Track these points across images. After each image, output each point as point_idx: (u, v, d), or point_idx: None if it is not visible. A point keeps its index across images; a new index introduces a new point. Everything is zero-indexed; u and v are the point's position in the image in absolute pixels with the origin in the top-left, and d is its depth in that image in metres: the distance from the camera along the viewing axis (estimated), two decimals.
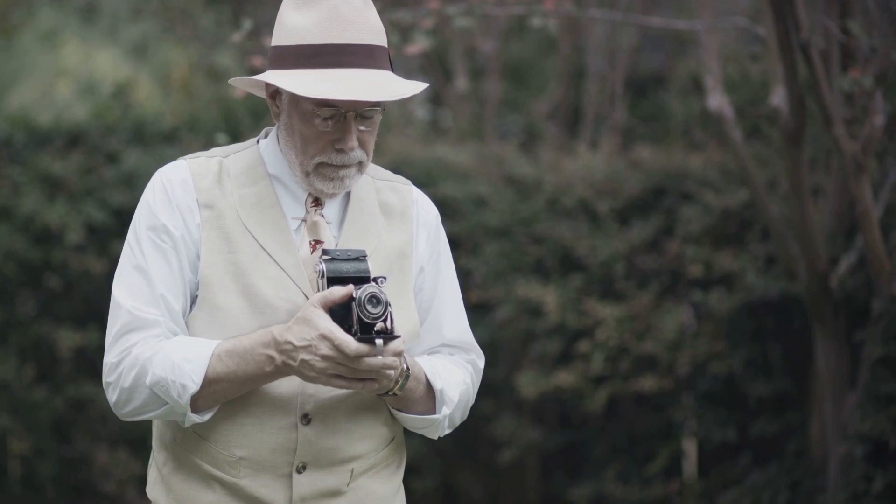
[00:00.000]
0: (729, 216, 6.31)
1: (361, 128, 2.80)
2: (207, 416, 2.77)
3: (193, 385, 2.71)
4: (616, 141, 8.19)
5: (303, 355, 2.66)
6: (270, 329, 2.71)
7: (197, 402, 2.74)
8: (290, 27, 2.79)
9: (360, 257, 2.73)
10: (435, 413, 2.88)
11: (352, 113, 2.77)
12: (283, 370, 2.71)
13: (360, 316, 2.65)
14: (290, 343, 2.67)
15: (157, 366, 2.73)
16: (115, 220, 7.03)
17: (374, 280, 2.69)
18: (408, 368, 2.75)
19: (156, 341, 2.76)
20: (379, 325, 2.65)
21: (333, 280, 2.71)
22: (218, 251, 2.82)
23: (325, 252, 2.73)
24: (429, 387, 2.85)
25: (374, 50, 2.79)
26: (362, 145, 2.81)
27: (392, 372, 2.69)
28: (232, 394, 2.75)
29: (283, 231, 2.85)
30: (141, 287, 2.80)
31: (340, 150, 2.79)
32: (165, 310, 2.79)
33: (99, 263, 7.01)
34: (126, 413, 2.80)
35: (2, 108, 9.47)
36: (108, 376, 2.80)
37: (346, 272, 2.72)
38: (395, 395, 2.77)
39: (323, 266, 2.72)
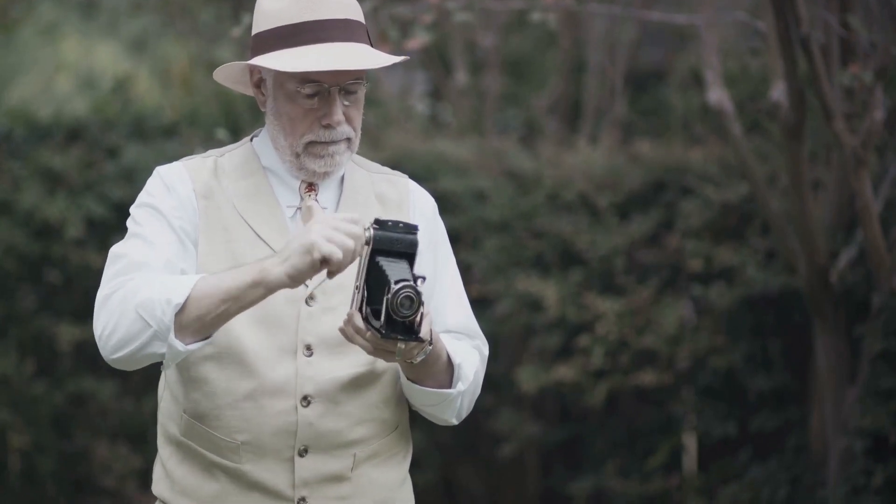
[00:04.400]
0: (729, 210, 6.31)
1: (346, 103, 2.83)
2: (193, 347, 2.70)
3: (178, 297, 2.65)
4: (616, 135, 8.19)
5: (286, 252, 2.63)
6: None
7: (181, 323, 2.67)
8: (267, 12, 2.85)
9: (412, 230, 2.65)
10: (450, 388, 2.87)
11: (335, 87, 2.80)
12: (268, 278, 2.63)
13: (389, 311, 2.58)
14: (273, 255, 2.67)
15: (146, 288, 2.68)
16: (115, 214, 7.02)
17: (415, 279, 2.59)
18: (431, 343, 2.72)
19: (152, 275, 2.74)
20: (406, 322, 2.59)
21: (379, 251, 2.61)
22: (215, 240, 2.85)
23: (376, 221, 2.65)
24: (447, 362, 2.84)
25: (350, 24, 2.83)
26: (349, 121, 2.84)
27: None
28: (214, 312, 2.66)
29: (279, 219, 2.88)
30: (141, 245, 2.80)
31: (328, 126, 2.82)
32: (165, 265, 2.77)
33: (99, 258, 7.00)
34: (111, 347, 2.71)
35: (2, 102, 9.48)
36: (98, 310, 2.75)
37: (394, 244, 2.63)
38: (412, 363, 2.74)
39: (371, 233, 2.63)
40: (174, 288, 2.68)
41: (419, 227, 2.76)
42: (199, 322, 2.68)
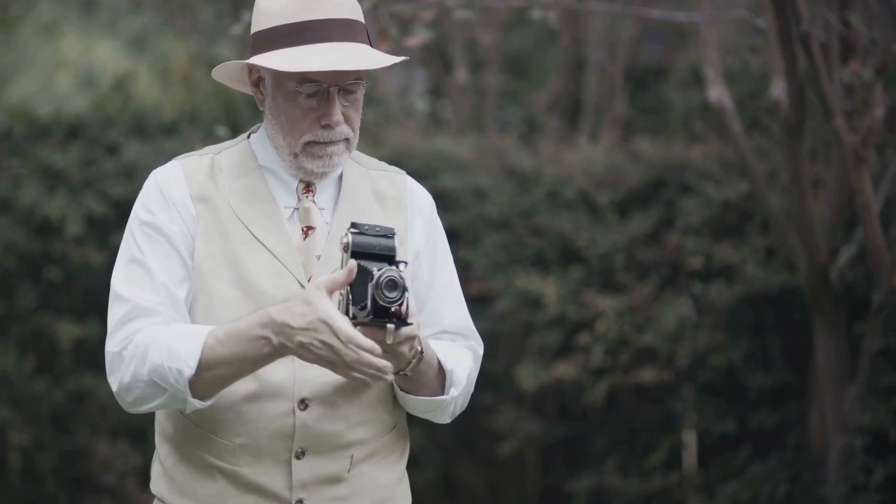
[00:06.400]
0: (729, 208, 6.31)
1: (345, 103, 2.82)
2: (210, 402, 2.75)
3: (188, 369, 2.69)
4: (616, 133, 8.19)
5: (300, 337, 2.64)
6: (267, 310, 2.68)
7: (196, 387, 2.71)
8: (267, 11, 2.84)
9: (389, 234, 2.68)
10: (443, 394, 2.87)
11: (334, 87, 2.79)
12: (280, 351, 2.68)
13: (375, 298, 2.60)
14: (287, 325, 2.65)
15: (154, 353, 2.71)
16: (115, 212, 7.03)
17: (396, 264, 2.64)
18: (421, 351, 2.73)
19: (156, 329, 2.75)
20: (394, 309, 2.62)
21: (358, 254, 2.65)
22: (212, 242, 2.84)
23: (353, 225, 2.68)
24: (439, 369, 2.84)
25: (351, 24, 2.82)
26: (348, 122, 2.83)
27: (384, 368, 2.67)
28: (232, 377, 2.73)
29: (276, 220, 2.86)
30: (141, 277, 2.80)
31: (326, 126, 2.81)
32: (167, 297, 2.78)
33: (99, 255, 7.01)
34: (129, 403, 2.78)
35: (2, 100, 9.47)
36: (110, 366, 2.79)
37: (373, 248, 2.66)
38: (405, 374, 2.76)
39: (349, 238, 2.67)
40: (183, 354, 2.70)
41: (416, 226, 2.75)
42: (216, 387, 2.74)
